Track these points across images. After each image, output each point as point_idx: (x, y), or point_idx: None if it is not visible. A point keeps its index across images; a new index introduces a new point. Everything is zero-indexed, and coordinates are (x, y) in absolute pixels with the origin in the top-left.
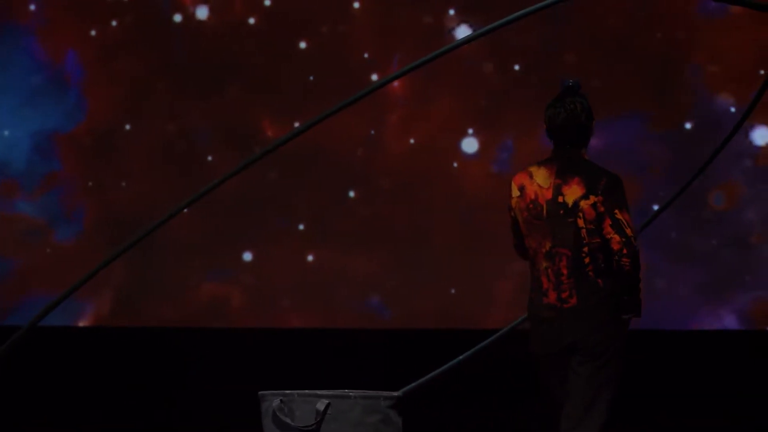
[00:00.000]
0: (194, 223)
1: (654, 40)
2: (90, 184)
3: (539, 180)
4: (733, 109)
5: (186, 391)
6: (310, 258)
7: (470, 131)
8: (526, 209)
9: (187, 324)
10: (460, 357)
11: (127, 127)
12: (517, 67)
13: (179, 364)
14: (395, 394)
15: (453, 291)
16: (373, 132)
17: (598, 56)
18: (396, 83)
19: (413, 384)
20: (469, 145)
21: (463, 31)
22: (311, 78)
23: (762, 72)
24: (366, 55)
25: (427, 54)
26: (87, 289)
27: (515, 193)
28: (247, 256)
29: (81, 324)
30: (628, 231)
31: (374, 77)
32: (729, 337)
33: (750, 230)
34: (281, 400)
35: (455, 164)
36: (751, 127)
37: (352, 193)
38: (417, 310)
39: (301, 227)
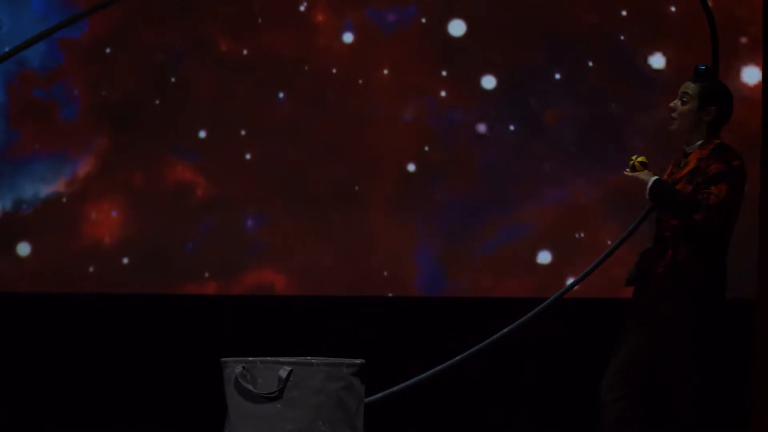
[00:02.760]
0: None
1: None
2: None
3: None
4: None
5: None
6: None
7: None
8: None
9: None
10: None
11: (110, 46)
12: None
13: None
14: (357, 361)
15: (378, 254)
16: (306, 67)
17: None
18: (320, 16)
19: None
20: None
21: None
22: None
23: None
24: None
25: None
26: None
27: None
28: None
29: None
30: None
31: (302, 7)
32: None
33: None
34: (243, 367)
35: (360, 80)
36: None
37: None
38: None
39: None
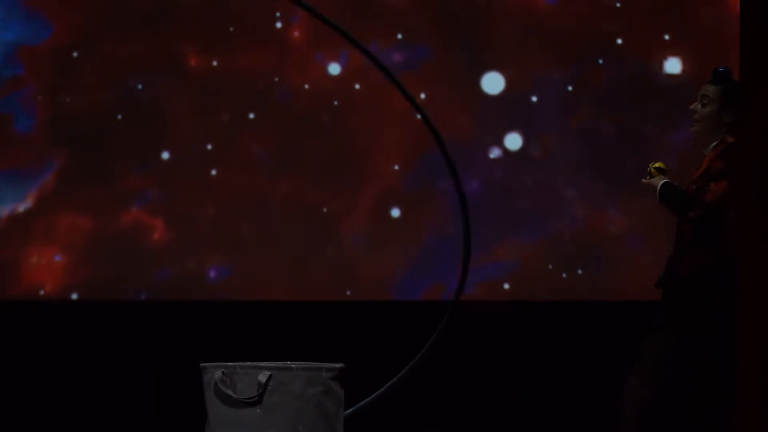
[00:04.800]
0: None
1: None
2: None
3: None
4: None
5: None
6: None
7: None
8: None
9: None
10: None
11: (75, 54)
12: (400, 36)
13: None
14: (337, 365)
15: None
16: (276, 79)
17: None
18: (297, 33)
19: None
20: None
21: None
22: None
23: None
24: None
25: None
26: None
27: None
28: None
29: None
30: None
31: (278, 24)
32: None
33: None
34: (223, 372)
35: (336, 102)
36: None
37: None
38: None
39: None
